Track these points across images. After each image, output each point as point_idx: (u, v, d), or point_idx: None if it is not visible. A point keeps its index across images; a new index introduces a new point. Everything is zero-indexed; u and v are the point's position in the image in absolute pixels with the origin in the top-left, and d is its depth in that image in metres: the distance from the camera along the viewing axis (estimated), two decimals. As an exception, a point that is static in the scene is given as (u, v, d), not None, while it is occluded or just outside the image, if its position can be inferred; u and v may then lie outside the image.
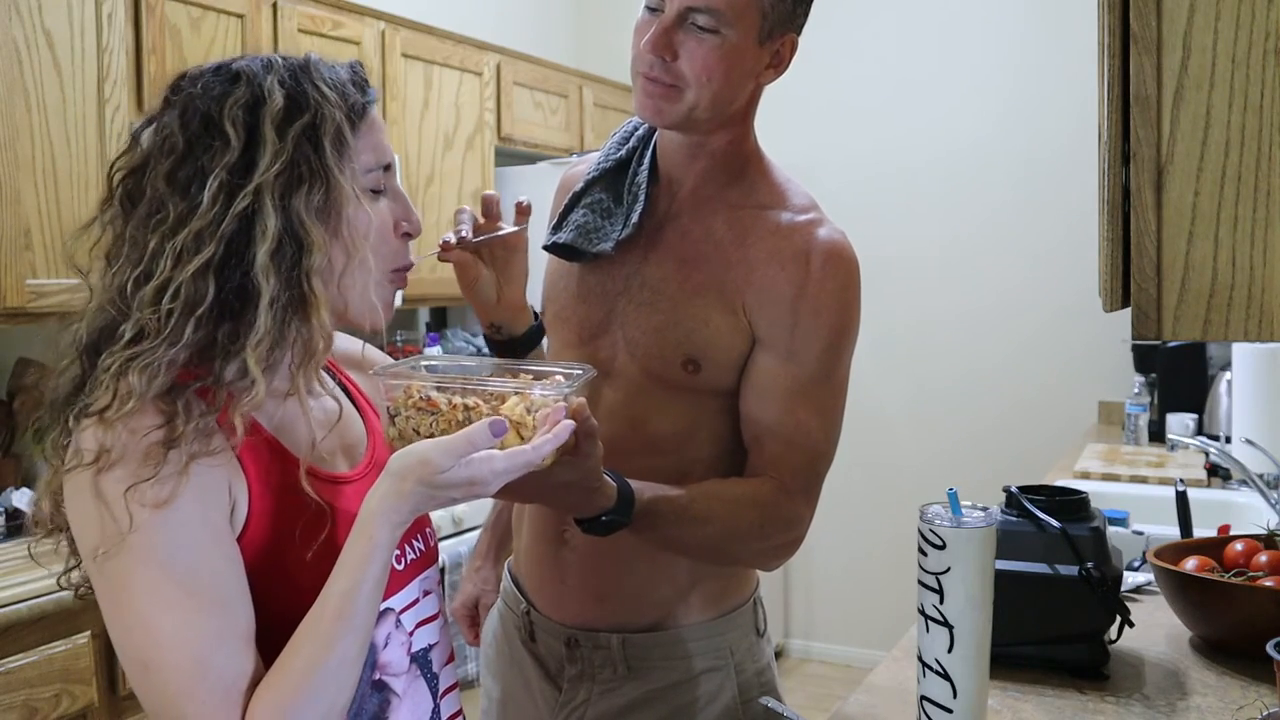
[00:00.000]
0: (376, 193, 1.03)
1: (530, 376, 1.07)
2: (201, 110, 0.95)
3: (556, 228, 1.43)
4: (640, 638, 1.39)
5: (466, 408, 0.99)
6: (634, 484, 1.19)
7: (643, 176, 1.40)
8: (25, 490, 2.39)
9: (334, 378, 1.16)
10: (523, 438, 0.99)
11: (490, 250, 1.31)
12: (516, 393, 1.00)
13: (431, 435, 0.98)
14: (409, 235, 1.06)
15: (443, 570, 2.92)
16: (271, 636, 0.93)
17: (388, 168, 1.04)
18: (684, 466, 1.33)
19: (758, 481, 1.32)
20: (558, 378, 1.07)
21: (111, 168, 0.99)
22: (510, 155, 3.97)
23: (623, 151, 1.45)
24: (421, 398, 1.00)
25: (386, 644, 1.03)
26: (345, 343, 1.22)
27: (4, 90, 2.21)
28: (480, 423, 0.93)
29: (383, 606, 1.02)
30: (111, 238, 0.98)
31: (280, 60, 0.99)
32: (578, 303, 1.42)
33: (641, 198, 1.38)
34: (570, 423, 0.98)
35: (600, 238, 1.38)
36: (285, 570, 0.96)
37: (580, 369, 1.09)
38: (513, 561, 1.54)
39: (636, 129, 1.47)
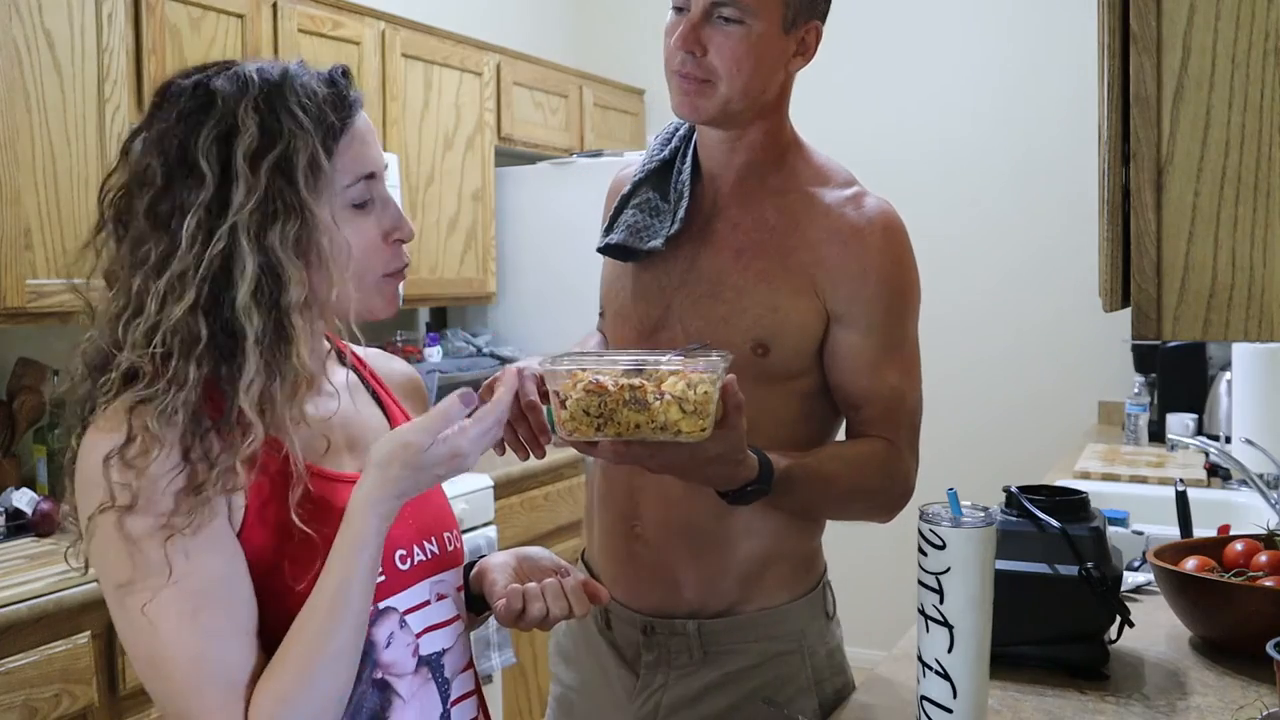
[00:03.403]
0: (360, 206, 1.02)
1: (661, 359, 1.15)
2: (178, 140, 0.95)
3: (608, 230, 1.48)
4: (715, 623, 1.43)
5: (632, 387, 1.07)
6: (770, 454, 1.26)
7: (686, 174, 1.45)
8: (25, 490, 2.39)
9: (362, 379, 1.18)
10: (685, 412, 1.07)
11: None
12: (675, 372, 1.08)
13: (601, 415, 1.08)
14: (400, 241, 1.05)
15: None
16: (273, 628, 0.95)
17: (372, 176, 1.02)
18: None
19: (869, 441, 1.41)
20: (681, 355, 1.15)
21: (101, 189, 1.00)
22: (510, 155, 3.97)
23: (665, 152, 1.50)
24: (591, 382, 1.07)
25: (389, 643, 1.04)
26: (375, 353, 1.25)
27: (4, 90, 2.21)
28: (450, 396, 0.96)
29: (384, 605, 1.03)
30: (107, 260, 0.99)
31: (257, 78, 0.97)
32: (635, 300, 1.46)
33: (686, 194, 1.43)
34: (515, 369, 1.03)
35: (650, 235, 1.43)
36: (283, 570, 0.97)
37: (721, 354, 1.15)
38: (587, 552, 1.59)
39: (678, 129, 1.52)
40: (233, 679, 0.92)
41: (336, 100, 1.00)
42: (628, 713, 1.47)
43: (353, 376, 1.16)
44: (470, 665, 1.15)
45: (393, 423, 1.16)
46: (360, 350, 1.22)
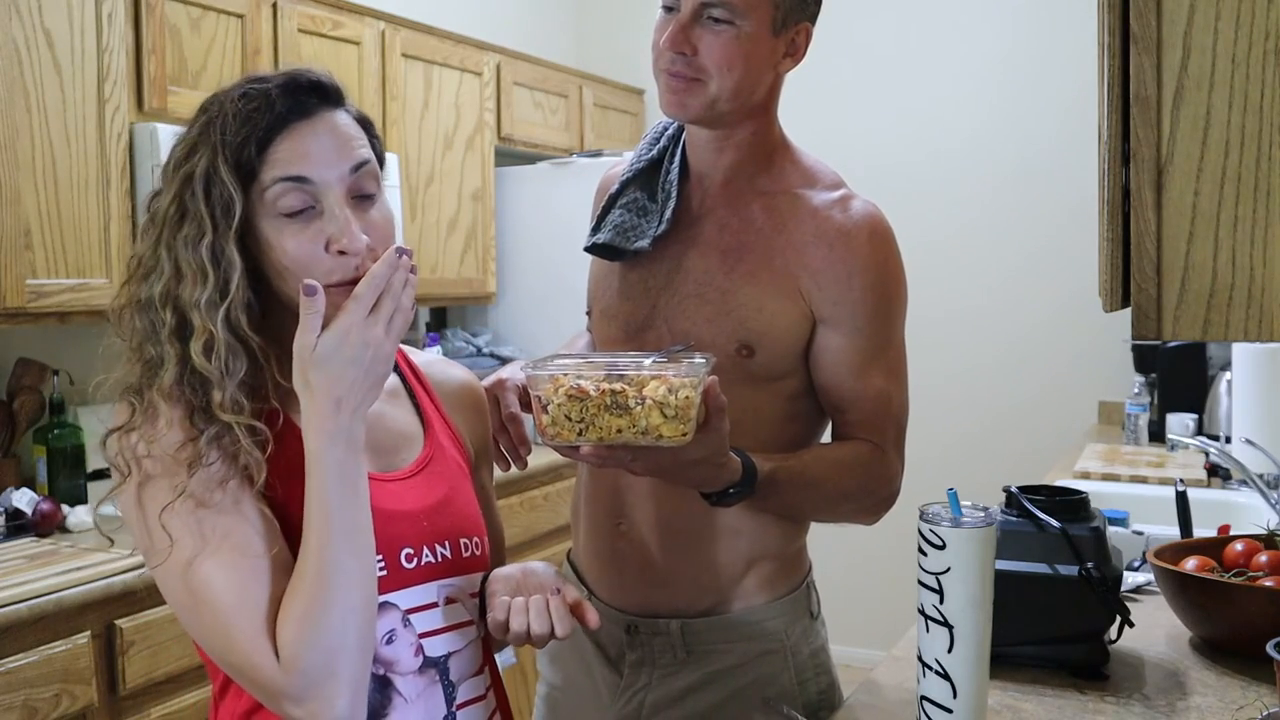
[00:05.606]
0: (290, 214, 1.01)
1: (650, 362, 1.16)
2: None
3: (595, 229, 1.48)
4: (698, 622, 1.43)
5: (613, 392, 1.08)
6: (754, 456, 1.26)
7: (674, 174, 1.45)
8: (25, 490, 2.39)
9: (404, 383, 1.19)
10: (666, 417, 1.08)
11: None
12: (656, 376, 1.09)
13: (583, 420, 1.09)
14: (344, 253, 1.02)
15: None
16: None
17: (299, 180, 1.00)
18: None
19: (854, 444, 1.40)
20: (664, 357, 1.16)
21: None
22: (510, 155, 3.97)
23: (654, 151, 1.50)
24: (572, 386, 1.08)
25: (390, 640, 1.05)
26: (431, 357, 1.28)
27: (4, 90, 2.21)
28: (302, 296, 0.95)
29: (383, 600, 1.04)
30: None
31: (227, 91, 1.03)
32: (621, 300, 1.46)
33: (674, 194, 1.43)
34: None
35: (637, 235, 1.43)
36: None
37: (704, 357, 1.16)
38: (573, 551, 1.59)
39: (666, 129, 1.51)
40: (266, 611, 0.96)
41: (268, 104, 1.01)
42: (611, 712, 1.47)
43: (393, 379, 1.17)
44: (483, 670, 1.14)
45: (428, 430, 1.17)
46: (418, 354, 1.25)
